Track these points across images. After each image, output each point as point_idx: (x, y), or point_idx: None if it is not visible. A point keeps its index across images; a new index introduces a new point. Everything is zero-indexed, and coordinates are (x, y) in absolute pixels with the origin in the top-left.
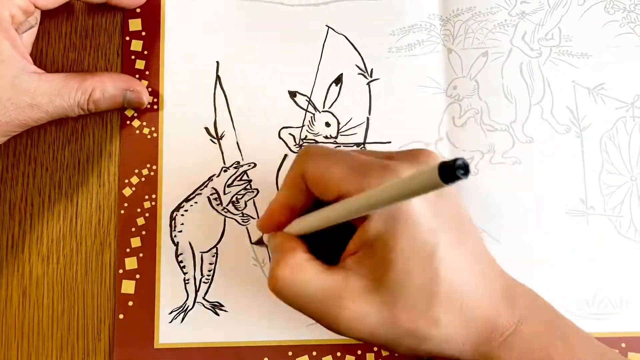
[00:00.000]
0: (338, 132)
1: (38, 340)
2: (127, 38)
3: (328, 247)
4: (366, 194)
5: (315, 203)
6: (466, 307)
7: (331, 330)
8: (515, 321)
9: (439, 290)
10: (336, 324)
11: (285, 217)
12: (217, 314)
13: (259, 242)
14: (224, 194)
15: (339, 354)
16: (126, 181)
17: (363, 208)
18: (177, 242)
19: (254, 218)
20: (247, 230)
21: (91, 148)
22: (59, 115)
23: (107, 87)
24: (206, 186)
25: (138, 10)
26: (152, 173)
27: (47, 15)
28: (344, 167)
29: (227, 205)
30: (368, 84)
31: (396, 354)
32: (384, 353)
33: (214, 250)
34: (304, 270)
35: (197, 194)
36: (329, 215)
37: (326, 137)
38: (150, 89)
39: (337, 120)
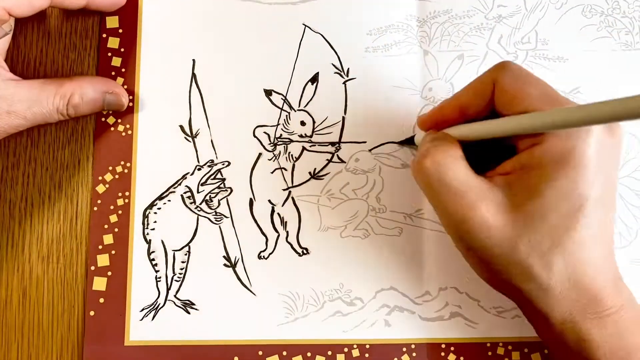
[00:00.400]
0: (313, 131)
1: (38, 340)
2: (104, 35)
3: (474, 160)
4: (560, 110)
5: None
6: (581, 270)
7: (448, 227)
8: (618, 306)
9: (567, 240)
10: (459, 223)
11: (455, 117)
12: (188, 313)
13: (407, 141)
14: (198, 192)
15: (309, 354)
16: (100, 178)
17: (547, 123)
18: (150, 240)
19: (226, 217)
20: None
21: (91, 148)
22: (38, 122)
23: (86, 91)
24: (180, 184)
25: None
26: (126, 170)
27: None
28: (540, 91)
29: (200, 203)
30: (344, 83)
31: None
32: (355, 354)
33: (186, 248)
34: (457, 162)
35: (171, 192)
36: (504, 125)
37: (301, 136)
38: (126, 87)
39: (313, 119)
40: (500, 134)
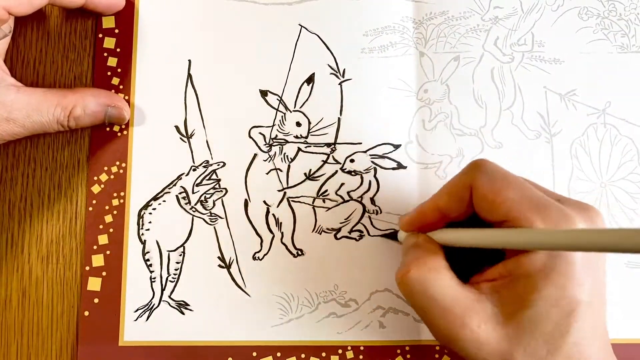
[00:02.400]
0: (309, 132)
1: (37, 340)
2: (100, 35)
3: (459, 262)
4: (547, 231)
5: (468, 219)
6: None
7: (440, 340)
8: None
9: (562, 347)
10: (450, 337)
11: (435, 221)
12: (183, 313)
13: (390, 236)
14: (193, 193)
15: (303, 355)
16: (95, 178)
17: (534, 244)
18: (145, 241)
19: (221, 218)
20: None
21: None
22: (37, 131)
23: (88, 104)
24: (175, 185)
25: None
26: (121, 171)
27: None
28: (520, 194)
29: (195, 204)
30: (340, 84)
31: None
32: (349, 356)
33: (181, 249)
34: (441, 275)
35: (166, 193)
36: (490, 238)
37: (297, 137)
38: (122, 87)
39: (308, 120)
40: (486, 246)
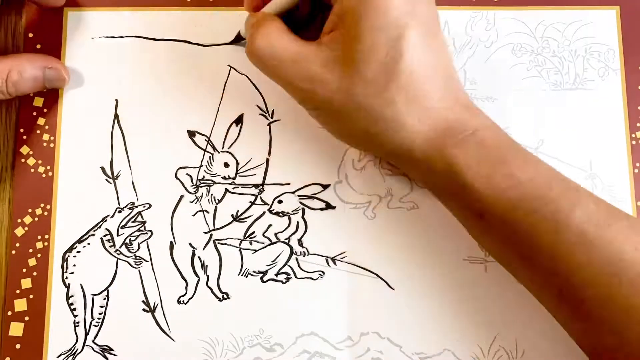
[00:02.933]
0: (237, 173)
1: None
2: None
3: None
4: None
5: None
6: (423, 100)
7: (294, 94)
8: (473, 127)
9: (399, 72)
10: (300, 86)
11: None
12: (106, 358)
13: (238, 38)
14: (118, 235)
15: None
16: (19, 221)
17: None
18: (69, 284)
19: (146, 261)
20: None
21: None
22: None
23: (24, 67)
24: (100, 227)
25: (38, 46)
26: (45, 213)
27: None
28: None
29: (120, 247)
30: (269, 124)
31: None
32: None
33: (105, 292)
34: (280, 36)
35: (91, 235)
36: None
37: (224, 178)
38: (47, 127)
39: (237, 160)
40: None
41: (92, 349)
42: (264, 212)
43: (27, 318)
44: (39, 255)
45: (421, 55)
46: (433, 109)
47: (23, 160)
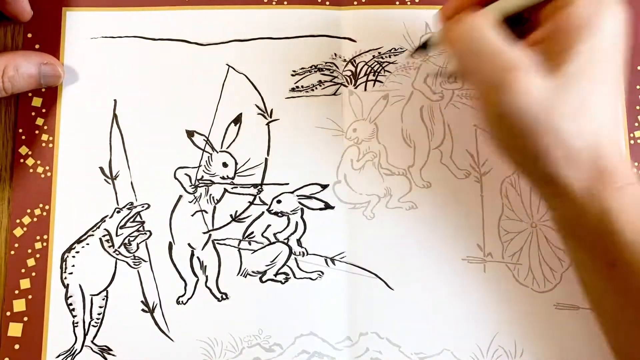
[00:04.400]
0: (235, 173)
1: None
2: None
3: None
4: None
5: None
6: (606, 134)
7: (484, 91)
8: (633, 177)
9: (595, 102)
10: (497, 84)
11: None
12: (105, 358)
13: (425, 45)
14: (116, 235)
15: None
16: (17, 221)
17: None
18: (68, 285)
19: (145, 261)
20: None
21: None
22: None
23: (20, 63)
24: (98, 227)
25: (37, 46)
26: (44, 213)
27: None
28: None
29: (118, 247)
30: (267, 124)
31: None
32: None
33: (104, 293)
34: (491, 28)
35: (89, 235)
36: None
37: (223, 178)
38: (46, 127)
39: (235, 160)
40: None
41: (91, 349)
42: (263, 212)
43: (26, 318)
44: (37, 255)
45: (615, 93)
46: (610, 148)
47: (22, 160)
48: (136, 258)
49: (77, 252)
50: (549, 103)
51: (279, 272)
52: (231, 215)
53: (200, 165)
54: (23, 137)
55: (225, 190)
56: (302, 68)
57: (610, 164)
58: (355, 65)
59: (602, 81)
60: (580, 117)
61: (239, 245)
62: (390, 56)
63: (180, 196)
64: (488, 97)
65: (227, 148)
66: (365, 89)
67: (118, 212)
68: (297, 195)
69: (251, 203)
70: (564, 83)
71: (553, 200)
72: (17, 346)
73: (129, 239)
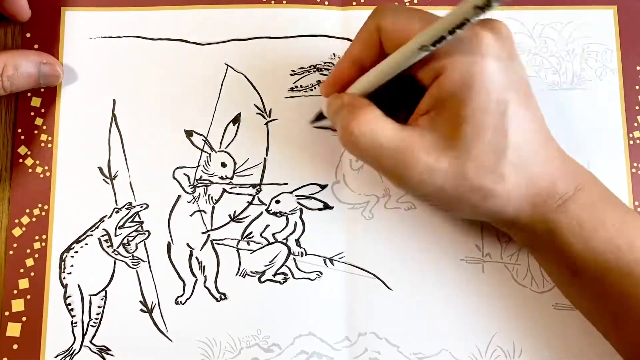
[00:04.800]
0: (234, 173)
1: None
2: None
3: (392, 111)
4: (428, 28)
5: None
6: (529, 167)
7: (399, 185)
8: (573, 188)
9: (507, 147)
10: (407, 177)
11: (354, 73)
12: (104, 359)
13: (319, 117)
14: (115, 235)
15: None
16: (16, 221)
17: (436, 38)
18: (66, 285)
19: (144, 261)
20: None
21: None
22: None
23: (19, 62)
24: (97, 227)
25: (36, 46)
26: (43, 213)
27: None
28: (424, 22)
29: (117, 247)
30: (266, 124)
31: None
32: None
33: (103, 293)
34: (380, 124)
35: (88, 235)
36: (401, 57)
37: (222, 178)
38: (45, 127)
39: (234, 160)
40: (397, 71)
41: (90, 349)
42: (262, 212)
43: (24, 318)
44: (36, 255)
45: (524, 126)
46: (538, 176)
47: (21, 160)
48: (135, 258)
49: (76, 252)
50: (459, 172)
51: (278, 272)
52: (230, 216)
53: (199, 165)
54: (22, 137)
55: (224, 190)
56: (301, 68)
57: (544, 190)
58: None
59: (500, 128)
60: (497, 167)
61: (237, 245)
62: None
63: (179, 196)
64: (403, 186)
65: (226, 148)
66: None
67: (117, 212)
68: (296, 196)
69: (250, 203)
70: (462, 149)
71: (507, 230)
72: (15, 346)
73: (127, 239)
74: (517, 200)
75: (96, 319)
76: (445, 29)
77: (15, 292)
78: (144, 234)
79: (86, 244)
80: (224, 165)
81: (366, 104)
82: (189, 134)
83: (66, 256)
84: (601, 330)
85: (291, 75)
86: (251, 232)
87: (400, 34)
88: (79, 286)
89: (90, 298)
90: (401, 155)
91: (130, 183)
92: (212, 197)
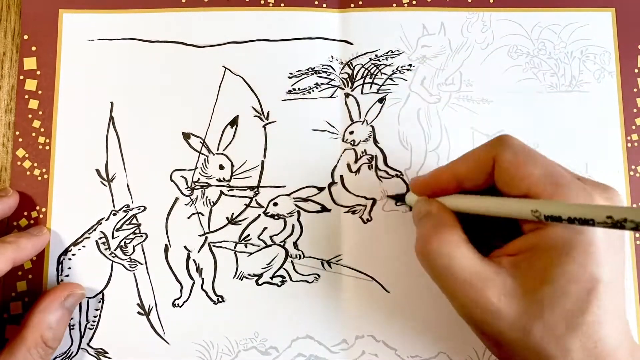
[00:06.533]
0: (232, 175)
1: None
2: (22, 77)
3: (474, 236)
4: (564, 203)
5: (484, 190)
6: (598, 351)
7: (461, 313)
8: None
9: (582, 323)
10: (470, 311)
11: (451, 187)
12: None
13: (398, 197)
14: (113, 238)
15: None
16: (15, 223)
17: (554, 216)
18: None
19: (141, 263)
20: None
21: None
22: None
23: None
24: (95, 230)
25: (34, 48)
26: (41, 215)
27: None
28: (543, 170)
29: (115, 249)
30: (264, 126)
31: None
32: None
33: (100, 295)
34: (460, 251)
35: (86, 238)
36: (510, 207)
37: (219, 180)
38: (43, 129)
39: (232, 162)
40: (499, 215)
41: (87, 351)
42: (259, 215)
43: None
44: (34, 258)
45: (607, 309)
46: (608, 358)
47: (19, 163)
48: (132, 260)
49: (74, 254)
50: (526, 326)
51: (275, 274)
52: (227, 218)
53: (196, 168)
54: (20, 140)
55: (222, 192)
56: (299, 70)
57: None
58: (352, 67)
59: (582, 302)
60: (565, 338)
61: (235, 247)
62: (387, 59)
63: (177, 198)
64: (465, 316)
65: (224, 150)
66: (362, 92)
67: (114, 214)
68: (294, 198)
69: (247, 205)
70: (537, 306)
71: None
72: None
73: (125, 242)
74: None
75: (93, 321)
76: (567, 215)
77: (13, 294)
78: (142, 236)
79: (84, 246)
80: (221, 167)
81: (452, 224)
82: (186, 136)
83: (64, 259)
84: None
85: (289, 77)
86: (249, 235)
87: (515, 176)
88: None
89: (88, 300)
90: (471, 289)
91: (127, 185)
92: (209, 200)
